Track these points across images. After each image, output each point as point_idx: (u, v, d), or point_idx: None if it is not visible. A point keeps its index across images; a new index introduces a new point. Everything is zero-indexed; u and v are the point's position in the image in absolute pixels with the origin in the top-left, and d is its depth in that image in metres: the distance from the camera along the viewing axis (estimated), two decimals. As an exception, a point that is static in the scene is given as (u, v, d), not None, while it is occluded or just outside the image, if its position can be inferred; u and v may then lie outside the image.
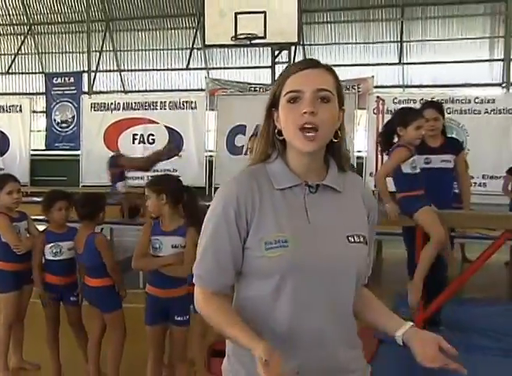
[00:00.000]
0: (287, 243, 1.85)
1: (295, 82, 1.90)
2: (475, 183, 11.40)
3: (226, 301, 1.98)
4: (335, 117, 1.91)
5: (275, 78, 14.67)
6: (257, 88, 15.23)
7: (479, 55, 16.86)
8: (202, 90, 16.05)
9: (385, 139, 5.28)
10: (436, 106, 5.56)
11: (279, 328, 1.89)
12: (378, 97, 13.51)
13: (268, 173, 1.95)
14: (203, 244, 1.98)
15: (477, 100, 13.27)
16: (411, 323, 2.04)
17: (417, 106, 12.72)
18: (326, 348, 1.93)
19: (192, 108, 14.20)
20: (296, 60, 16.52)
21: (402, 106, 13.22)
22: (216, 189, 12.94)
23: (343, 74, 16.53)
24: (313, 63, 1.94)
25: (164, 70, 18.72)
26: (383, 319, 2.10)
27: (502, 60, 16.24)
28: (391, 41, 17.43)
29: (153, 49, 18.61)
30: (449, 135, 5.94)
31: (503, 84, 16.06)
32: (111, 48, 18.79)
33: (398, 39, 17.28)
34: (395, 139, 5.21)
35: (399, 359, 4.89)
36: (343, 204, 1.98)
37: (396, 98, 13.84)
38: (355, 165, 13.13)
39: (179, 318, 4.45)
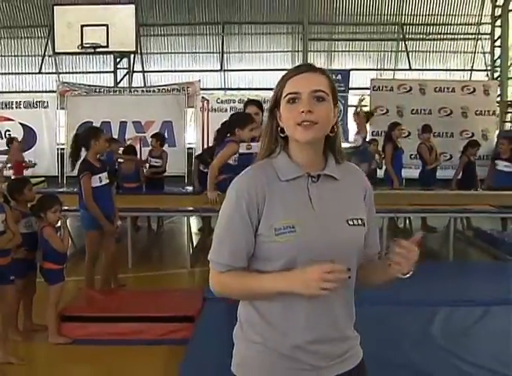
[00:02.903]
0: (294, 228, 1.77)
1: (293, 85, 1.81)
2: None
3: (240, 271, 1.86)
4: (330, 114, 1.83)
5: (117, 81, 14.57)
6: (102, 90, 14.92)
7: (284, 64, 17.33)
8: (53, 91, 15.43)
9: (222, 135, 5.38)
10: (256, 103, 5.68)
11: (289, 301, 1.79)
12: (203, 98, 13.68)
13: (274, 167, 1.86)
14: (219, 233, 1.87)
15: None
16: None
17: (236, 105, 13.24)
18: (331, 318, 1.86)
19: (44, 107, 13.73)
20: (134, 67, 16.51)
21: (225, 105, 13.61)
22: (68, 178, 12.71)
23: (174, 79, 16.72)
24: (309, 68, 1.85)
25: (19, 73, 17.83)
26: (380, 271, 1.94)
27: (301, 69, 16.89)
28: (214, 52, 17.59)
29: (9, 55, 17.67)
30: None
31: (302, 89, 16.67)
32: (-31, 55, 17.70)
33: (220, 50, 17.47)
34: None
35: (223, 314, 5.12)
36: (342, 191, 1.90)
37: (219, 98, 14.04)
38: (187, 155, 13.31)
39: (13, 277, 4.46)
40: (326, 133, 1.85)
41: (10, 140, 11.35)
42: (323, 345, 1.84)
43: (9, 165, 11.21)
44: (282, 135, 1.87)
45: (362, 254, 1.92)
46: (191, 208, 7.53)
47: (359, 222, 1.88)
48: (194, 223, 9.35)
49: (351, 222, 1.86)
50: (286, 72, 1.88)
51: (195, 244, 8.40)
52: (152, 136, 10.03)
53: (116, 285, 6.16)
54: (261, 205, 1.81)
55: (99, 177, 5.62)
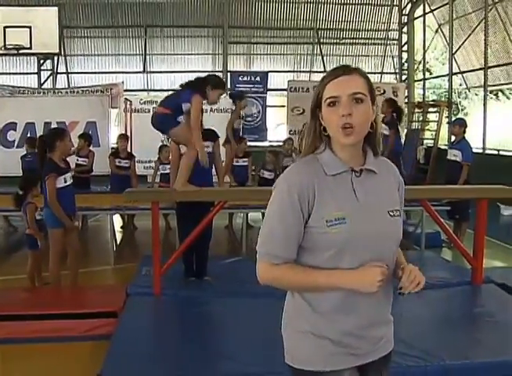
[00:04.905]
0: (345, 220, 1.83)
1: (332, 89, 1.84)
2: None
3: (291, 263, 1.91)
4: (369, 114, 1.87)
5: (41, 82, 14.13)
6: (26, 91, 14.50)
7: (205, 66, 17.47)
8: (-23, 93, 14.97)
9: (192, 86, 5.14)
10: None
11: (341, 292, 1.86)
12: (127, 99, 13.49)
13: (319, 162, 1.90)
14: (270, 224, 1.90)
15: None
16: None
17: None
18: (376, 304, 1.92)
19: (-31, 108, 13.23)
20: (58, 68, 16.16)
21: (148, 106, 13.40)
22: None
23: (98, 80, 16.46)
24: (347, 70, 1.87)
25: None
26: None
27: (221, 71, 16.84)
28: (137, 54, 17.40)
29: None
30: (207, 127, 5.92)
31: (224, 90, 16.75)
32: None
33: (143, 53, 17.30)
34: None
35: (144, 308, 5.08)
36: (380, 184, 1.95)
37: (142, 99, 13.83)
38: (110, 154, 13.10)
39: None
40: (366, 133, 1.90)
41: None
42: (369, 330, 1.93)
43: None
44: (325, 134, 1.92)
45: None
46: (114, 206, 7.49)
47: (397, 213, 1.96)
48: (117, 221, 9.24)
49: (391, 213, 1.93)
50: (324, 75, 1.91)
51: (118, 241, 8.32)
52: (79, 137, 9.79)
53: (40, 283, 6.03)
54: (311, 198, 1.85)
55: (64, 178, 5.59)
